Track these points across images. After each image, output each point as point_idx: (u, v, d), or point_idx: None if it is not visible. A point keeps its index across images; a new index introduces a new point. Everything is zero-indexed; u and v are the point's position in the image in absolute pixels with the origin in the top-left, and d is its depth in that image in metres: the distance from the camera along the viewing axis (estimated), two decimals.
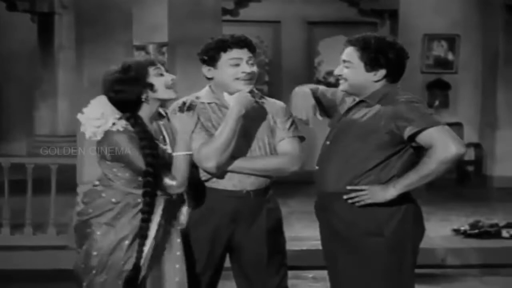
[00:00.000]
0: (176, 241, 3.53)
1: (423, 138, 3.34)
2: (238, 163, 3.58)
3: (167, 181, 3.38)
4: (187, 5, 7.90)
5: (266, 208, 3.71)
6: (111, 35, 7.02)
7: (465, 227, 7.59)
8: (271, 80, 11.99)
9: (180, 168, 3.42)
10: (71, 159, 7.33)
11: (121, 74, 3.41)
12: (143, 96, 3.41)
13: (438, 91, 11.82)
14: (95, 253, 3.38)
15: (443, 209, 8.91)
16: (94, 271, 3.38)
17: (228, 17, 11.30)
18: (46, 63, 11.94)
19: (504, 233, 7.47)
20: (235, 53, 3.57)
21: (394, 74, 3.50)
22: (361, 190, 3.40)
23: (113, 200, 3.41)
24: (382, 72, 3.46)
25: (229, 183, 3.62)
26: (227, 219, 3.65)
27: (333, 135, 3.55)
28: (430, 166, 3.33)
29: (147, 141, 3.36)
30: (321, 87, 3.84)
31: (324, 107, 3.74)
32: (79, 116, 3.46)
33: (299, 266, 6.26)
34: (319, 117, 3.68)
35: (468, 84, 11.85)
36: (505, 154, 11.30)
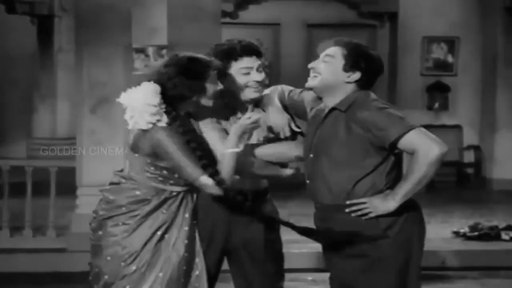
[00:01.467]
0: (195, 235, 3.53)
1: (404, 144, 3.34)
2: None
3: (205, 179, 3.29)
4: (187, 8, 7.89)
5: (263, 210, 3.70)
6: (111, 38, 7.01)
7: (465, 229, 7.59)
8: (271, 82, 11.97)
9: (227, 164, 3.34)
10: (70, 161, 7.34)
11: (186, 68, 3.32)
12: (195, 97, 3.38)
13: (438, 93, 11.83)
14: (127, 246, 3.35)
15: (443, 211, 8.92)
16: (123, 263, 3.36)
17: (227, 19, 11.31)
18: (46, 66, 11.95)
19: (504, 235, 7.46)
20: (245, 62, 3.58)
21: (366, 82, 3.50)
22: (362, 203, 3.41)
23: (149, 197, 3.38)
24: (356, 75, 3.47)
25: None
26: (223, 220, 3.65)
27: (314, 147, 3.53)
28: (420, 172, 3.32)
29: (191, 135, 3.33)
30: (287, 90, 3.79)
31: (293, 111, 3.72)
32: (128, 101, 3.33)
33: (298, 269, 6.26)
34: (296, 129, 3.68)
35: (468, 87, 11.86)
36: (505, 156, 11.30)
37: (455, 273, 6.84)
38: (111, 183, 3.49)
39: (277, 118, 3.62)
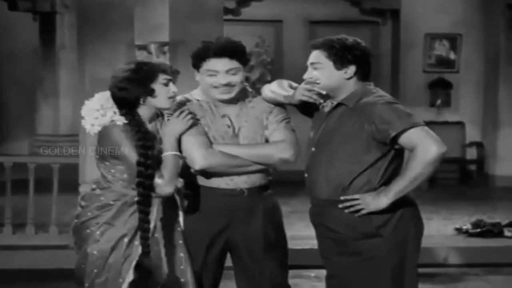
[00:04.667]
0: (179, 242, 3.53)
1: (404, 140, 3.34)
2: (230, 148, 3.59)
3: (156, 179, 3.37)
4: (189, 5, 7.90)
5: (262, 207, 3.70)
6: (113, 35, 7.03)
7: (467, 226, 7.59)
8: (273, 79, 11.97)
9: (167, 167, 3.40)
10: (72, 158, 7.35)
11: (130, 74, 3.43)
12: (142, 99, 3.44)
13: (440, 90, 11.82)
14: (95, 252, 3.41)
15: (446, 208, 8.90)
16: (95, 271, 3.40)
17: (230, 16, 11.30)
18: (48, 63, 11.94)
19: (506, 232, 7.46)
20: (212, 64, 3.59)
21: (364, 71, 3.51)
22: (355, 199, 3.40)
23: (111, 202, 3.44)
24: (352, 69, 3.48)
25: (221, 181, 3.63)
26: (221, 218, 3.64)
27: (316, 141, 3.54)
28: (416, 170, 3.32)
29: (141, 134, 3.38)
30: (294, 85, 3.81)
31: (303, 107, 3.73)
32: (82, 109, 3.51)
33: (301, 265, 6.26)
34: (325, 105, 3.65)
35: (470, 83, 11.85)
36: (507, 153, 11.30)
37: (457, 270, 6.84)
38: (91, 189, 3.57)
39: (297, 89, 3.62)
